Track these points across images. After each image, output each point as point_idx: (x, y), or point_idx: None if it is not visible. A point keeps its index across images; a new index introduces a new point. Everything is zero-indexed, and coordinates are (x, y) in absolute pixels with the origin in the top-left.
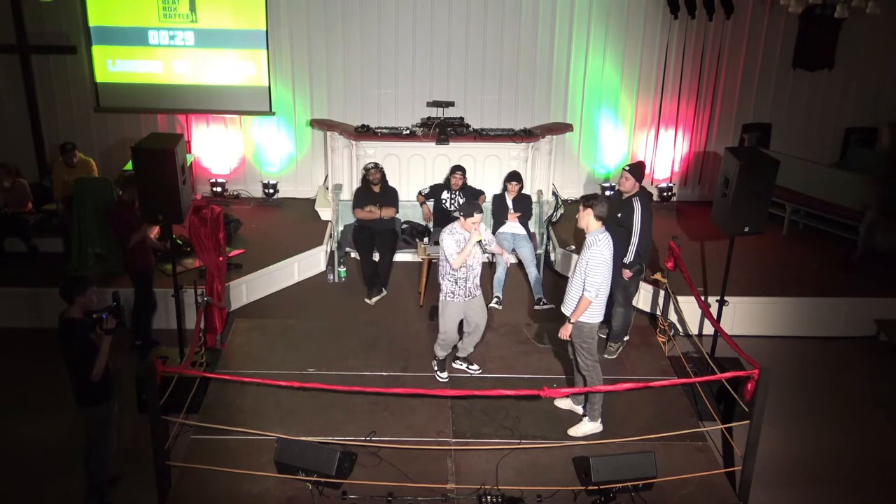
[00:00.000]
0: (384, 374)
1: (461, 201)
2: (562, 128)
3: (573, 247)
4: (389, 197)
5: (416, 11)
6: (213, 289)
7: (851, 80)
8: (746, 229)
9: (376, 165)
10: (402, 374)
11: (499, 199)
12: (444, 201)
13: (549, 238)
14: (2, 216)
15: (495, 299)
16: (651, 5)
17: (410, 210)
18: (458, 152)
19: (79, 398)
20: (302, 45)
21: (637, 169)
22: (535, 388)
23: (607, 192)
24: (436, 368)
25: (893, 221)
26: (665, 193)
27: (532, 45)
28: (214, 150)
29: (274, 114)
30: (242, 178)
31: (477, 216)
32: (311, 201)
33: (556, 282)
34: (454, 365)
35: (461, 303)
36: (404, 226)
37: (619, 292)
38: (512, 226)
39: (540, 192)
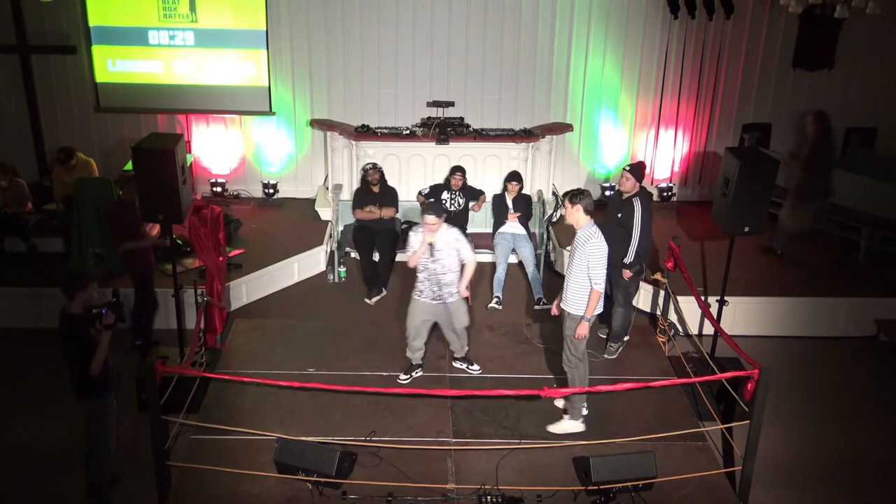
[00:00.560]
0: (384, 374)
1: (461, 201)
2: (562, 128)
3: None
4: (389, 197)
5: (416, 11)
6: (213, 289)
7: (851, 80)
8: (746, 229)
9: (375, 166)
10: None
11: (499, 199)
12: (444, 201)
13: (548, 238)
14: (1, 216)
15: (495, 299)
16: (651, 5)
17: (410, 210)
18: (458, 152)
19: (78, 392)
20: (302, 45)
21: (637, 169)
22: (535, 388)
23: (607, 193)
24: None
25: (806, 205)
26: (665, 193)
27: (532, 45)
28: (214, 150)
29: (274, 114)
30: (242, 178)
31: (428, 217)
32: (311, 201)
33: (555, 282)
34: (454, 364)
35: (426, 304)
36: (404, 226)
37: (620, 292)
38: (512, 226)
39: (540, 192)
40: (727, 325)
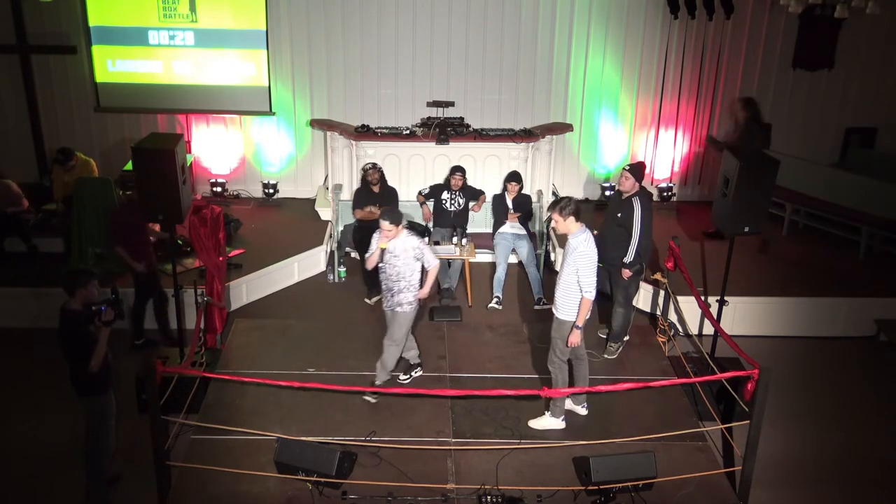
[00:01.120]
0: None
1: (461, 201)
2: (562, 128)
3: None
4: (389, 197)
5: (416, 11)
6: (213, 289)
7: (851, 80)
8: (746, 229)
9: (374, 166)
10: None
11: (499, 199)
12: (444, 201)
13: (548, 238)
14: (1, 216)
15: (495, 299)
16: (651, 5)
17: (410, 210)
18: (458, 152)
19: (78, 389)
20: (302, 45)
21: (637, 169)
22: (535, 388)
23: (607, 193)
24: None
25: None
26: (665, 193)
27: (532, 46)
28: (214, 150)
29: (274, 114)
30: (242, 178)
31: (382, 222)
32: (311, 201)
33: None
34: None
35: (386, 309)
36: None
37: (620, 292)
38: (512, 226)
39: (540, 192)
40: (727, 325)
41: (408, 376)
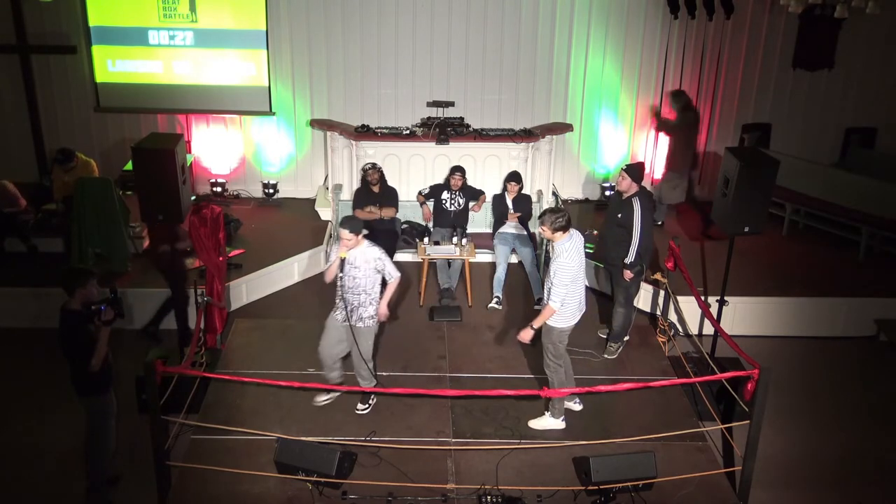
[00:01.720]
0: (384, 374)
1: (461, 201)
2: (562, 128)
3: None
4: (389, 197)
5: (416, 11)
6: (213, 289)
7: (851, 80)
8: (746, 229)
9: (374, 166)
10: (402, 374)
11: (499, 199)
12: (444, 201)
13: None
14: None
15: (495, 299)
16: (651, 5)
17: (410, 210)
18: (458, 152)
19: (78, 389)
20: (302, 45)
21: (635, 169)
22: (535, 388)
23: (607, 193)
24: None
25: (674, 177)
26: None
27: (532, 45)
28: (214, 150)
29: (274, 114)
30: (242, 178)
31: (342, 231)
32: (311, 201)
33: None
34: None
35: (338, 324)
36: (404, 226)
37: (621, 292)
38: (512, 226)
39: (540, 192)
40: (727, 325)
41: (366, 406)
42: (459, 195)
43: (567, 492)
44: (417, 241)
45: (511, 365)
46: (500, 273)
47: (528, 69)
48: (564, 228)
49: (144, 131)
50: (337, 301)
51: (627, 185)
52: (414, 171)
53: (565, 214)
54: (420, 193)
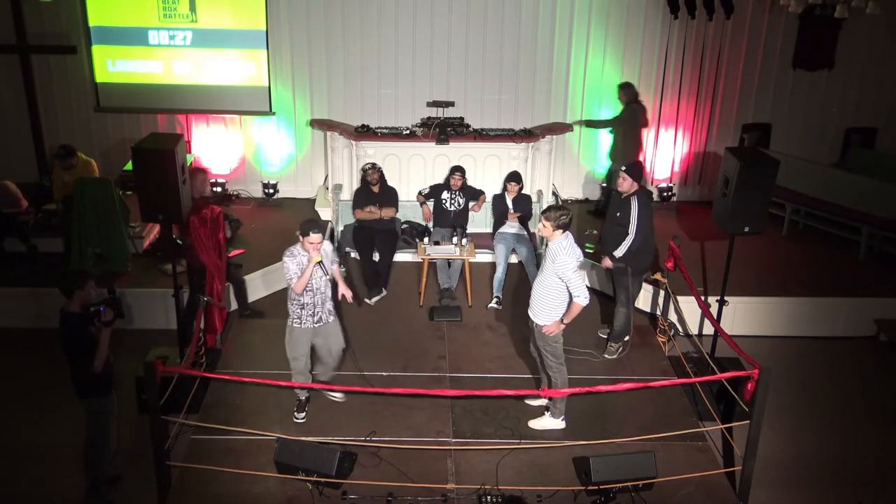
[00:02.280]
0: (384, 374)
1: (461, 201)
2: (562, 128)
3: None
4: (389, 197)
5: (416, 11)
6: (213, 289)
7: (851, 80)
8: (746, 229)
9: (374, 166)
10: (402, 374)
11: (499, 199)
12: (444, 201)
13: None
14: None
15: (495, 299)
16: (651, 5)
17: (410, 210)
18: (458, 152)
19: (79, 391)
20: (302, 45)
21: (634, 169)
22: (534, 388)
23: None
24: (294, 409)
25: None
26: (665, 193)
27: (532, 45)
28: (214, 150)
29: (274, 114)
30: (242, 178)
31: (314, 235)
32: (311, 201)
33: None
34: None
35: (309, 329)
36: (404, 226)
37: (622, 292)
38: (512, 226)
39: (540, 192)
40: (727, 325)
41: (303, 413)
42: (459, 195)
43: (567, 492)
44: (417, 241)
45: (511, 365)
46: (500, 273)
47: (528, 69)
48: (566, 227)
49: (144, 131)
50: (299, 310)
51: (629, 186)
52: (414, 171)
53: (569, 213)
54: (420, 193)
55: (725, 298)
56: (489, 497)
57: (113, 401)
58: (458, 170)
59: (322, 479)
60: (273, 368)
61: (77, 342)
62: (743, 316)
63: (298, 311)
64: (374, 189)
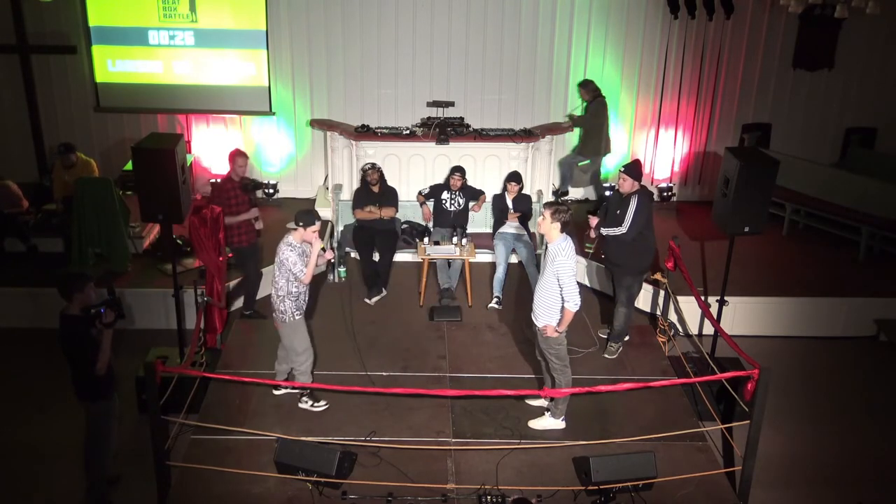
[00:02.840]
0: (384, 374)
1: (461, 201)
2: (562, 128)
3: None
4: (389, 197)
5: (416, 11)
6: (213, 289)
7: (851, 80)
8: (746, 229)
9: (374, 166)
10: (402, 374)
11: (499, 199)
12: (444, 201)
13: None
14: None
15: (495, 299)
16: (651, 5)
17: (410, 210)
18: (458, 152)
19: (81, 394)
20: (302, 45)
21: (633, 168)
22: (535, 388)
23: (607, 193)
24: (309, 402)
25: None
26: (665, 193)
27: (532, 45)
28: (214, 150)
29: (274, 114)
30: None
31: (317, 225)
32: (311, 201)
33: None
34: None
35: (303, 319)
36: (404, 226)
37: (622, 292)
38: (511, 226)
39: (540, 192)
40: (727, 325)
41: (324, 402)
42: (459, 195)
43: (567, 492)
44: (417, 241)
45: (511, 365)
46: (500, 273)
47: (528, 69)
48: (565, 223)
49: (144, 131)
50: (294, 302)
51: (630, 186)
52: (414, 171)
53: (569, 210)
54: (420, 193)
55: (725, 298)
56: (489, 497)
57: (115, 403)
58: (458, 170)
59: (322, 479)
60: (273, 368)
61: (78, 345)
62: (743, 316)
63: (293, 303)
64: (374, 189)
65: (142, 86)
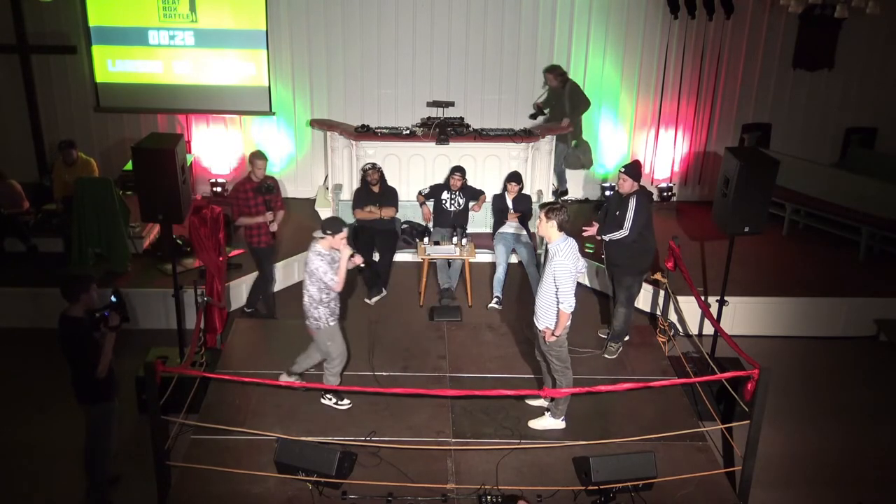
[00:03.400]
0: (384, 374)
1: (461, 201)
2: (562, 128)
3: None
4: (389, 197)
5: (416, 11)
6: (213, 289)
7: (851, 80)
8: (746, 229)
9: (374, 166)
10: (402, 374)
11: (499, 200)
12: (444, 201)
13: None
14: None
15: (495, 299)
16: (651, 5)
17: (410, 210)
18: (458, 152)
19: (82, 396)
20: (302, 45)
21: (633, 168)
22: (535, 388)
23: (607, 193)
24: (333, 400)
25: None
26: (665, 193)
27: (532, 45)
28: (214, 150)
29: (274, 114)
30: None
31: (345, 231)
32: (311, 201)
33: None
34: (289, 378)
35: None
36: (404, 226)
37: (622, 292)
38: (511, 226)
39: (540, 192)
40: (727, 325)
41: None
42: (459, 195)
43: (567, 492)
44: (417, 241)
45: (511, 365)
46: (500, 273)
47: (528, 69)
48: (560, 224)
49: (144, 131)
50: (328, 308)
51: (630, 186)
52: (414, 171)
53: (563, 208)
54: (420, 193)
55: (725, 298)
56: (489, 497)
57: (115, 406)
58: (458, 170)
59: (322, 479)
60: (273, 368)
61: (80, 347)
62: (743, 316)
63: (328, 309)
64: (374, 189)
65: (142, 86)
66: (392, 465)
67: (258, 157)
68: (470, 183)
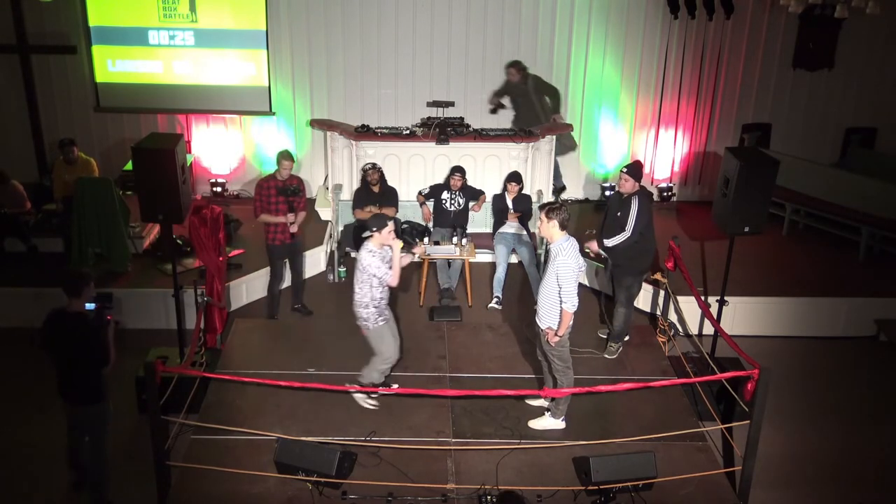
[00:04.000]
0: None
1: (461, 201)
2: (562, 128)
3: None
4: (389, 197)
5: (416, 11)
6: (213, 289)
7: (851, 80)
8: (746, 229)
9: (374, 166)
10: (402, 374)
11: (499, 199)
12: (444, 201)
13: None
14: (0, 217)
15: (495, 299)
16: (651, 5)
17: (410, 210)
18: (458, 152)
19: (85, 396)
20: (302, 45)
21: (635, 169)
22: (535, 388)
23: (607, 193)
24: (363, 396)
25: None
26: (665, 193)
27: (532, 45)
28: (214, 150)
29: (274, 114)
30: (242, 178)
31: (391, 225)
32: (311, 201)
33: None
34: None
35: (387, 317)
36: (404, 226)
37: (622, 292)
38: (512, 226)
39: (540, 192)
40: (727, 325)
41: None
42: (459, 195)
43: (567, 492)
44: (417, 241)
45: (511, 365)
46: (500, 273)
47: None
48: (561, 224)
49: (144, 131)
50: (376, 309)
51: (631, 186)
52: (414, 171)
53: (562, 206)
54: (420, 193)
55: (725, 298)
56: (489, 497)
57: (110, 406)
58: (458, 170)
59: (322, 479)
60: (273, 368)
61: (88, 342)
62: (743, 316)
63: (376, 310)
64: (375, 189)
65: (142, 86)
66: (392, 465)
67: (285, 157)
68: (470, 183)
